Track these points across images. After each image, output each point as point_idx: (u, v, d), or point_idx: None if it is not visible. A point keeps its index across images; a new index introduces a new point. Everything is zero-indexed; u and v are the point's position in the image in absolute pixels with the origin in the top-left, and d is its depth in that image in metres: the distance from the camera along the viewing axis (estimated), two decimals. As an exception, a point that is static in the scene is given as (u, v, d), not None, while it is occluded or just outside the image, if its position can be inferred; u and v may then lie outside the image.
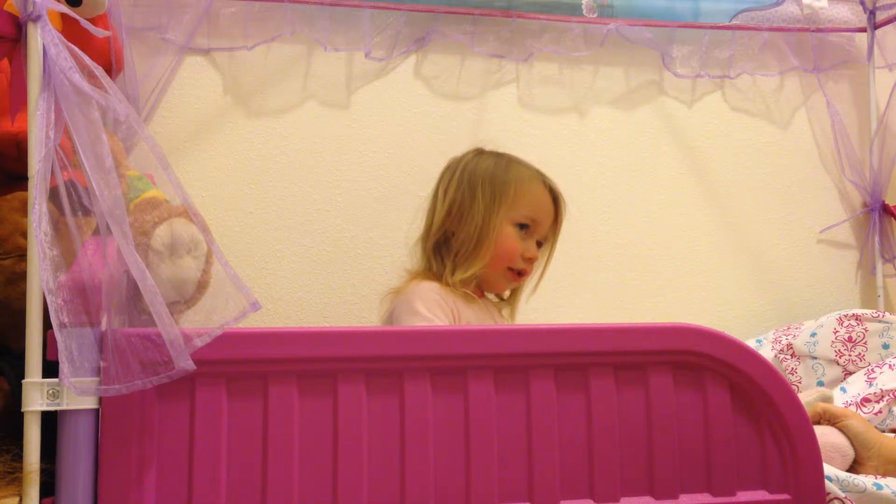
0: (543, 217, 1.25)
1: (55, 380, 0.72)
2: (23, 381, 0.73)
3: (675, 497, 0.85)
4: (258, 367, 0.79)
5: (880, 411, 1.25)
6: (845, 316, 1.46)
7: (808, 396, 1.17)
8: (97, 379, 0.73)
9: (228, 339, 0.77)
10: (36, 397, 0.72)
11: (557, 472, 0.83)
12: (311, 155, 1.53)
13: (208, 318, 0.78)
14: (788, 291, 1.72)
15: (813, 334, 1.46)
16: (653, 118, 1.70)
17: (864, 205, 1.76)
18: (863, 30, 1.75)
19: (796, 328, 1.53)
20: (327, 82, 1.55)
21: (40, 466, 0.72)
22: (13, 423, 0.76)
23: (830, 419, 1.08)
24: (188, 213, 0.88)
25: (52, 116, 0.74)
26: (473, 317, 1.19)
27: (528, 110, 1.64)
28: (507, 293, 1.32)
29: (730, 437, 0.87)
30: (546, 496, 0.82)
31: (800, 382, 1.43)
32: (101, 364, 0.73)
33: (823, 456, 0.91)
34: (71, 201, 0.75)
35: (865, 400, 1.27)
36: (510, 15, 1.59)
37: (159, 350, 0.73)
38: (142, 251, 0.87)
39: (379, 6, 1.52)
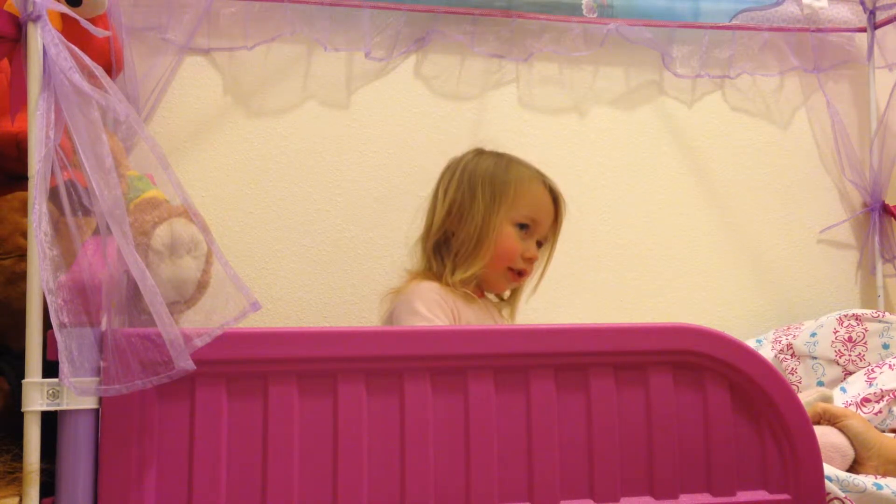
0: (543, 217, 1.25)
1: (55, 380, 0.72)
2: (23, 381, 0.73)
3: (675, 497, 0.85)
4: (258, 367, 0.79)
5: (880, 411, 1.25)
6: (845, 316, 1.46)
7: (808, 396, 1.17)
8: (97, 379, 0.73)
9: (228, 339, 0.77)
10: (36, 397, 0.72)
11: (557, 472, 0.83)
12: (311, 155, 1.53)
13: (208, 318, 0.78)
14: (788, 291, 1.72)
15: (813, 334, 1.46)
16: (653, 118, 1.70)
17: (864, 205, 1.76)
18: (863, 30, 1.75)
19: (796, 328, 1.53)
20: (327, 82, 1.55)
21: (40, 466, 0.72)
22: (13, 423, 0.76)
23: (830, 419, 1.08)
24: (188, 213, 0.88)
25: (52, 116, 0.74)
26: (473, 317, 1.19)
27: (528, 110, 1.64)
28: (507, 293, 1.32)
29: (730, 437, 0.87)
30: (546, 496, 0.82)
31: (800, 382, 1.43)
32: (101, 364, 0.73)
33: (823, 456, 0.91)
34: (71, 201, 0.75)
35: (865, 400, 1.27)
36: (510, 15, 1.59)
37: (159, 350, 0.73)
38: (142, 251, 0.87)
39: (379, 6, 1.52)
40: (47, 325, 0.72)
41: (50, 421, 0.74)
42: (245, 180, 1.49)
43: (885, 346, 1.41)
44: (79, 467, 0.73)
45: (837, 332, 1.44)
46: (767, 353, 1.50)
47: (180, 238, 0.89)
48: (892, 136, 1.74)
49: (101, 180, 0.74)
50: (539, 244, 1.27)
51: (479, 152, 1.29)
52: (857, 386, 1.32)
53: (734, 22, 1.71)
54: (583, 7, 1.63)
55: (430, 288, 1.18)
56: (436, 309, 1.14)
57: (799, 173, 1.76)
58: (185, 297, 0.91)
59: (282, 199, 1.50)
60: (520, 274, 1.24)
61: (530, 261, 1.24)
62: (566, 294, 1.60)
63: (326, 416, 0.79)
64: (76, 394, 0.72)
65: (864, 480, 0.93)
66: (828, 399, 1.17)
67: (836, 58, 1.77)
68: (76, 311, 0.73)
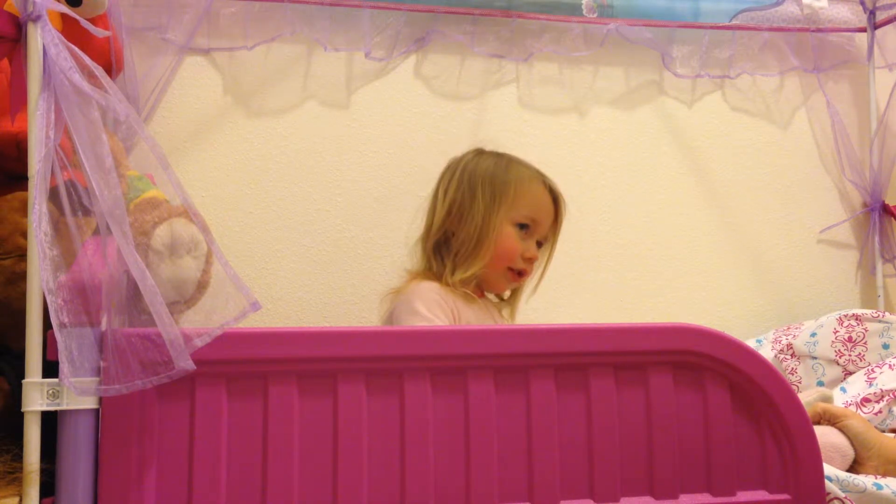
0: (543, 217, 1.25)
1: (55, 380, 0.72)
2: (23, 381, 0.73)
3: (675, 497, 0.85)
4: (258, 367, 0.79)
5: (880, 411, 1.25)
6: (845, 316, 1.46)
7: (808, 396, 1.17)
8: (97, 379, 0.73)
9: (228, 339, 0.77)
10: (36, 397, 0.72)
11: (557, 472, 0.83)
12: (311, 155, 1.53)
13: (208, 318, 0.78)
14: (788, 291, 1.72)
15: (813, 334, 1.46)
16: (653, 118, 1.70)
17: (864, 205, 1.76)
18: (863, 30, 1.75)
19: (796, 328, 1.53)
20: (327, 82, 1.55)
21: (40, 466, 0.72)
22: (13, 423, 0.76)
23: (830, 419, 1.08)
24: (188, 213, 0.88)
25: (52, 116, 0.74)
26: (473, 317, 1.19)
27: (528, 110, 1.64)
28: (507, 293, 1.32)
29: (730, 437, 0.87)
30: (546, 496, 0.82)
31: (800, 382, 1.43)
32: (101, 364, 0.73)
33: (823, 456, 0.91)
34: (71, 201, 0.75)
35: (865, 400, 1.27)
36: (510, 15, 1.59)
37: (159, 350, 0.73)
38: (142, 251, 0.87)
39: (379, 6, 1.52)
40: (47, 325, 0.72)
41: (50, 421, 0.74)
42: (245, 180, 1.49)
43: (885, 346, 1.41)
44: (79, 467, 0.73)
45: (837, 332, 1.44)
46: (767, 353, 1.50)
47: (180, 238, 0.89)
48: (892, 136, 1.74)
49: (101, 180, 0.74)
50: (539, 244, 1.27)
51: (479, 152, 1.29)
52: (857, 386, 1.32)
53: (734, 22, 1.71)
54: (583, 7, 1.63)
55: (430, 288, 1.18)
56: (436, 309, 1.14)
57: (799, 173, 1.76)
58: (185, 297, 0.91)
59: (282, 199, 1.50)
60: (520, 274, 1.24)
61: (530, 261, 1.24)
62: (566, 294, 1.60)
63: (326, 416, 0.79)
64: (76, 394, 0.72)
65: (864, 480, 0.93)
66: (828, 399, 1.17)
67: (836, 58, 1.77)
68: (76, 311, 0.73)
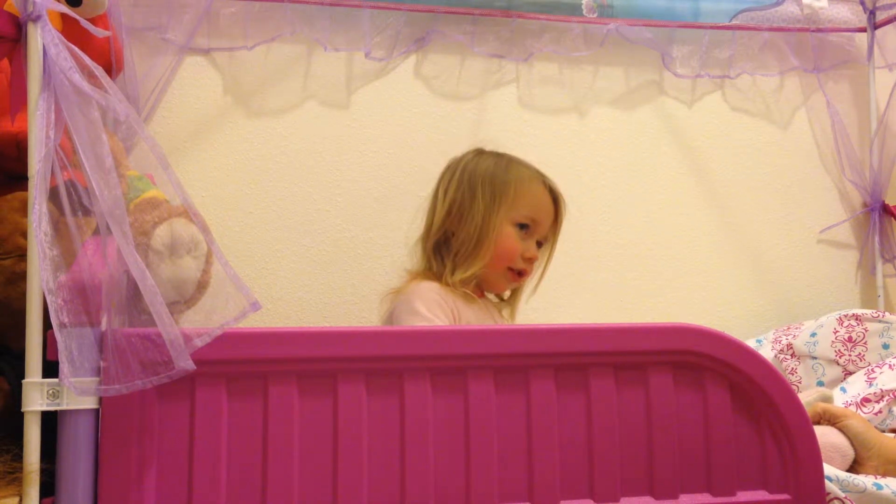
0: (543, 217, 1.25)
1: (55, 380, 0.72)
2: (23, 381, 0.73)
3: (675, 497, 0.85)
4: (258, 367, 0.79)
5: (880, 411, 1.25)
6: (845, 316, 1.46)
7: (808, 396, 1.17)
8: (97, 379, 0.73)
9: (228, 339, 0.77)
10: (36, 397, 0.72)
11: (557, 472, 0.83)
12: (311, 155, 1.53)
13: (208, 318, 0.78)
14: (788, 291, 1.72)
15: (813, 334, 1.46)
16: (653, 118, 1.70)
17: (864, 205, 1.76)
18: (863, 30, 1.75)
19: (796, 328, 1.53)
20: (327, 82, 1.55)
21: (40, 466, 0.72)
22: (13, 423, 0.76)
23: (830, 419, 1.08)
24: (188, 213, 0.88)
25: (52, 116, 0.74)
26: (473, 317, 1.19)
27: (528, 110, 1.64)
28: (507, 293, 1.32)
29: (730, 437, 0.87)
30: (546, 496, 0.82)
31: (800, 382, 1.43)
32: (101, 364, 0.73)
33: (823, 456, 0.91)
34: (71, 201, 0.75)
35: (865, 400, 1.27)
36: (510, 15, 1.59)
37: (159, 350, 0.73)
38: (142, 251, 0.87)
39: (379, 6, 1.52)
40: (47, 325, 0.72)
41: (50, 421, 0.74)
42: (245, 180, 1.49)
43: (885, 346, 1.41)
44: (79, 467, 0.73)
45: (837, 332, 1.44)
46: (767, 353, 1.50)
47: (180, 238, 0.89)
48: (892, 136, 1.74)
49: (101, 180, 0.74)
50: (539, 244, 1.27)
51: (479, 152, 1.29)
52: (857, 386, 1.32)
53: (734, 22, 1.71)
54: (583, 7, 1.63)
55: (430, 288, 1.18)
56: (436, 309, 1.14)
57: (799, 173, 1.76)
58: (185, 297, 0.91)
59: (282, 199, 1.50)
60: (520, 274, 1.24)
61: (530, 261, 1.24)
62: (566, 294, 1.60)
63: (326, 416, 0.79)
64: (76, 394, 0.72)
65: (864, 480, 0.93)
66: (828, 399, 1.17)
67: (836, 58, 1.77)
68: (76, 311, 0.73)
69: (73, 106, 0.74)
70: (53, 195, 0.74)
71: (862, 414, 1.23)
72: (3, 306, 0.89)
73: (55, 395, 0.73)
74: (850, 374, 1.40)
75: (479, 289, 1.25)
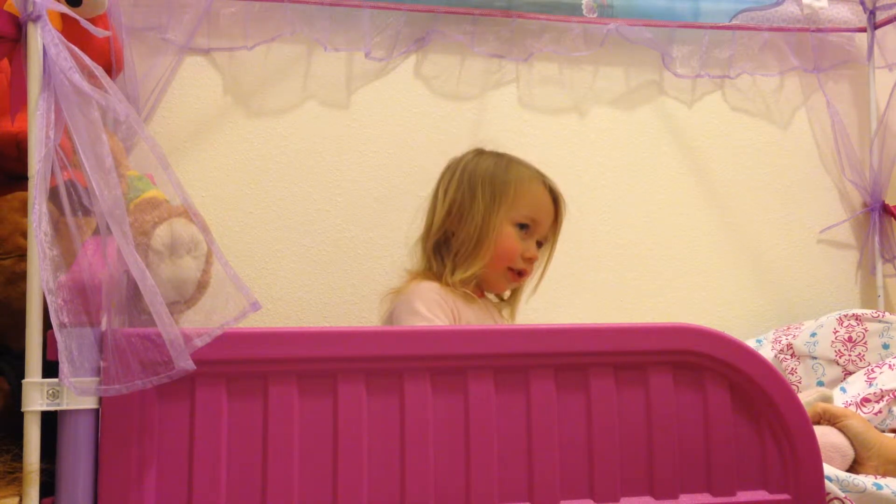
0: (543, 217, 1.25)
1: (55, 380, 0.72)
2: (23, 381, 0.73)
3: (675, 497, 0.85)
4: (258, 367, 0.79)
5: (880, 411, 1.25)
6: (845, 316, 1.46)
7: (808, 396, 1.17)
8: (97, 379, 0.73)
9: (228, 339, 0.77)
10: (36, 397, 0.72)
11: (557, 472, 0.83)
12: (311, 155, 1.53)
13: (208, 318, 0.78)
14: (788, 291, 1.72)
15: (813, 334, 1.46)
16: (653, 118, 1.70)
17: (864, 205, 1.76)
18: (863, 30, 1.75)
19: (796, 328, 1.53)
20: (327, 82, 1.55)
21: (40, 466, 0.72)
22: (13, 423, 0.76)
23: (830, 419, 1.08)
24: (188, 213, 0.88)
25: (52, 116, 0.74)
26: (473, 317, 1.19)
27: (528, 110, 1.64)
28: (507, 293, 1.32)
29: (730, 437, 0.87)
30: (546, 496, 0.82)
31: (800, 382, 1.43)
32: (101, 364, 0.73)
33: (823, 456, 0.91)
34: (71, 201, 0.75)
35: (865, 400, 1.27)
36: (510, 15, 1.59)
37: (159, 350, 0.73)
38: (142, 251, 0.87)
39: (379, 6, 1.52)
40: (47, 325, 0.72)
41: (50, 421, 0.74)
42: (245, 180, 1.49)
43: (885, 346, 1.41)
44: (79, 467, 0.73)
45: (837, 332, 1.44)
46: (767, 353, 1.50)
47: (180, 238, 0.89)
48: (892, 136, 1.74)
49: (101, 180, 0.74)
50: (539, 244, 1.27)
51: (479, 152, 1.29)
52: (857, 386, 1.32)
53: (734, 22, 1.71)
54: (583, 7, 1.63)
55: (430, 288, 1.18)
56: (436, 309, 1.14)
57: (799, 173, 1.76)
58: (185, 297, 0.91)
59: (282, 199, 1.50)
60: (520, 274, 1.24)
61: (530, 261, 1.24)
62: (566, 294, 1.60)
63: (326, 416, 0.79)
64: (76, 394, 0.72)
65: (864, 480, 0.93)
66: (828, 399, 1.17)
67: (836, 58, 1.77)
68: (76, 311, 0.73)
69: (73, 106, 0.74)
70: (53, 195, 0.74)
71: (862, 414, 1.23)
72: (3, 306, 0.89)
73: (55, 395, 0.73)
74: (850, 374, 1.40)
75: (479, 289, 1.25)
